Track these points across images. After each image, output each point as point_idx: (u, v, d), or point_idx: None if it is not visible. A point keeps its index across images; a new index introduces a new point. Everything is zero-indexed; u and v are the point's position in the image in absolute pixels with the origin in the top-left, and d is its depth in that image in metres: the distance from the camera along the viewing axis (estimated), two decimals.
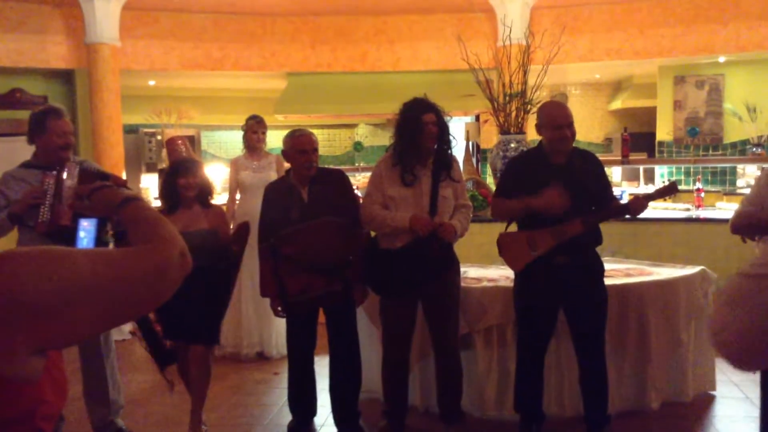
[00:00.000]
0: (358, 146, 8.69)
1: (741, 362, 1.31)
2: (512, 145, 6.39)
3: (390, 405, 3.71)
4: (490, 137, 7.75)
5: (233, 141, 10.61)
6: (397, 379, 3.68)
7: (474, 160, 9.60)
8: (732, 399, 4.18)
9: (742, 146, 8.51)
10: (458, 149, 7.40)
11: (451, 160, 3.65)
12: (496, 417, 3.88)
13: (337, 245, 3.57)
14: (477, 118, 9.36)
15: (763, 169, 3.46)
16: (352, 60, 8.57)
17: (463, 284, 3.86)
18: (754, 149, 8.09)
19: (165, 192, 3.74)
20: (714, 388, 4.26)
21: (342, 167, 7.55)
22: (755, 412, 3.74)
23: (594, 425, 3.52)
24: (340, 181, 3.80)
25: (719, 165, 8.56)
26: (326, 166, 4.02)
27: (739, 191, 7.79)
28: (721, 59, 8.37)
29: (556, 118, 3.39)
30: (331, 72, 8.60)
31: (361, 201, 3.79)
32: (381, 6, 8.19)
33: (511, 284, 3.73)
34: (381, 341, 3.75)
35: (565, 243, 3.35)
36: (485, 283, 4.03)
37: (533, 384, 3.56)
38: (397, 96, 3.78)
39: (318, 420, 3.90)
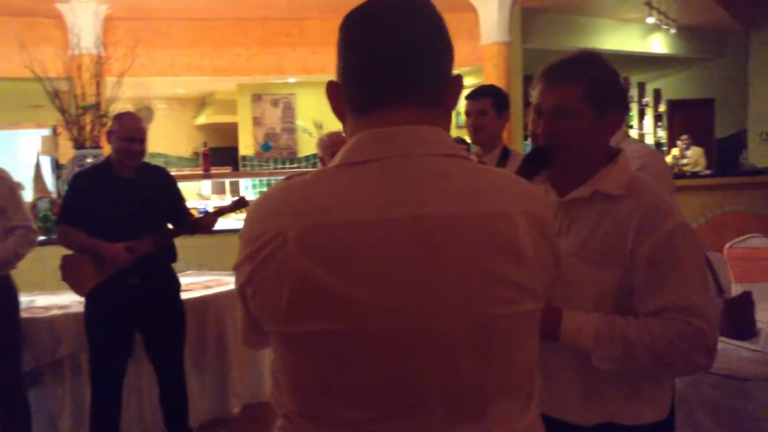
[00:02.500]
0: None
1: None
2: (88, 160, 6.08)
3: None
4: (69, 151, 7.24)
5: None
6: None
7: (54, 176, 8.87)
8: None
9: (314, 159, 9.43)
10: (28, 165, 6.80)
11: None
12: None
13: None
14: (54, 130, 8.65)
15: None
16: None
17: (28, 315, 3.53)
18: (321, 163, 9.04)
19: None
20: None
21: None
22: None
23: None
24: None
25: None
26: None
27: None
28: (291, 80, 9.16)
29: (128, 130, 3.27)
30: None
31: None
32: None
33: (83, 309, 3.53)
34: None
35: (138, 263, 3.27)
36: (54, 311, 3.73)
37: (111, 411, 3.40)
38: None
39: None
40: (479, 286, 0.93)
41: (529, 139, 1.67)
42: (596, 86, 1.53)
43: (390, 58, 0.97)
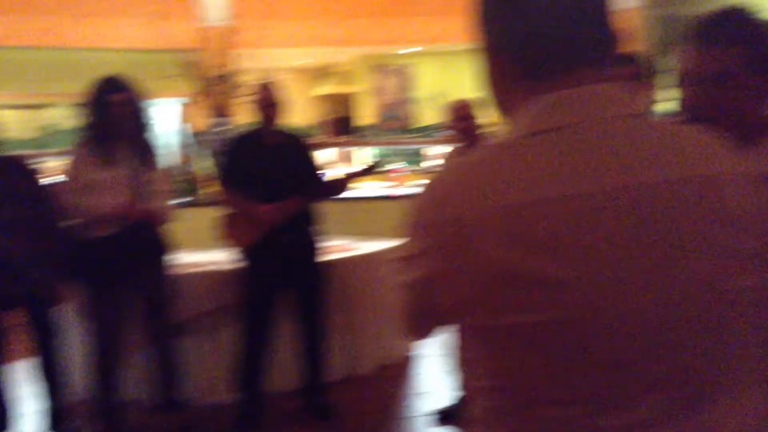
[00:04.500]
0: (50, 129, 7.90)
1: None
2: (223, 128, 6.34)
3: (101, 402, 3.48)
4: (203, 120, 7.58)
5: None
6: (107, 374, 3.46)
7: (188, 143, 9.33)
8: (433, 356, 4.63)
9: (433, 130, 9.40)
10: (172, 133, 7.19)
11: (151, 143, 3.50)
12: (214, 402, 3.84)
13: (20, 244, 3.23)
14: (187, 101, 9.06)
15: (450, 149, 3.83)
16: (36, 34, 7.73)
17: (176, 270, 3.75)
18: (442, 132, 9.01)
19: None
20: (416, 348, 4.70)
21: (34, 152, 6.82)
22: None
23: (312, 395, 3.69)
24: (21, 169, 3.41)
25: (413, 147, 9.39)
26: (4, 154, 3.53)
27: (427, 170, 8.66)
28: (412, 50, 9.15)
29: (264, 98, 3.50)
30: (11, 46, 7.67)
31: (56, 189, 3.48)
32: None
33: (226, 267, 3.74)
34: (88, 336, 3.50)
35: (287, 222, 3.44)
36: (200, 268, 3.95)
37: (258, 366, 3.59)
38: (92, 75, 3.50)
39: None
40: (704, 258, 0.84)
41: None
42: (760, 47, 1.33)
43: (569, 18, 0.89)
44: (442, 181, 0.92)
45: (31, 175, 3.42)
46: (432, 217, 0.87)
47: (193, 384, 3.79)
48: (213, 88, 6.62)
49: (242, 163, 3.55)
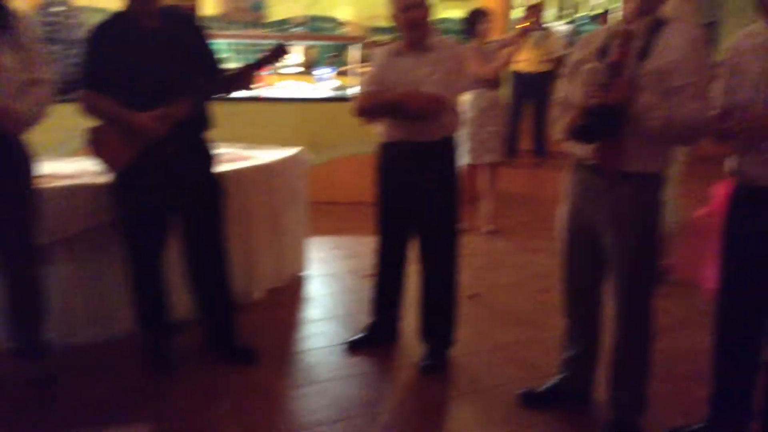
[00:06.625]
0: None
1: None
2: (53, 9, 5.29)
3: None
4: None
5: None
6: None
7: None
8: (321, 276, 4.35)
9: (292, 25, 8.67)
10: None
11: (8, 15, 2.67)
12: (88, 342, 3.26)
13: None
14: None
15: (374, 50, 3.29)
16: None
17: (39, 184, 3.01)
18: (296, 28, 8.38)
19: None
20: (305, 269, 4.36)
21: None
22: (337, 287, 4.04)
23: (217, 329, 3.23)
24: None
25: (268, 42, 8.64)
26: None
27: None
28: None
29: None
30: None
31: None
32: None
33: (101, 180, 3.04)
34: None
35: (173, 130, 2.79)
36: (67, 181, 3.22)
37: (154, 292, 3.06)
38: None
39: None
40: None
41: None
42: None
43: None
44: None
45: None
46: None
47: (60, 322, 3.15)
48: None
49: (110, 57, 2.78)
